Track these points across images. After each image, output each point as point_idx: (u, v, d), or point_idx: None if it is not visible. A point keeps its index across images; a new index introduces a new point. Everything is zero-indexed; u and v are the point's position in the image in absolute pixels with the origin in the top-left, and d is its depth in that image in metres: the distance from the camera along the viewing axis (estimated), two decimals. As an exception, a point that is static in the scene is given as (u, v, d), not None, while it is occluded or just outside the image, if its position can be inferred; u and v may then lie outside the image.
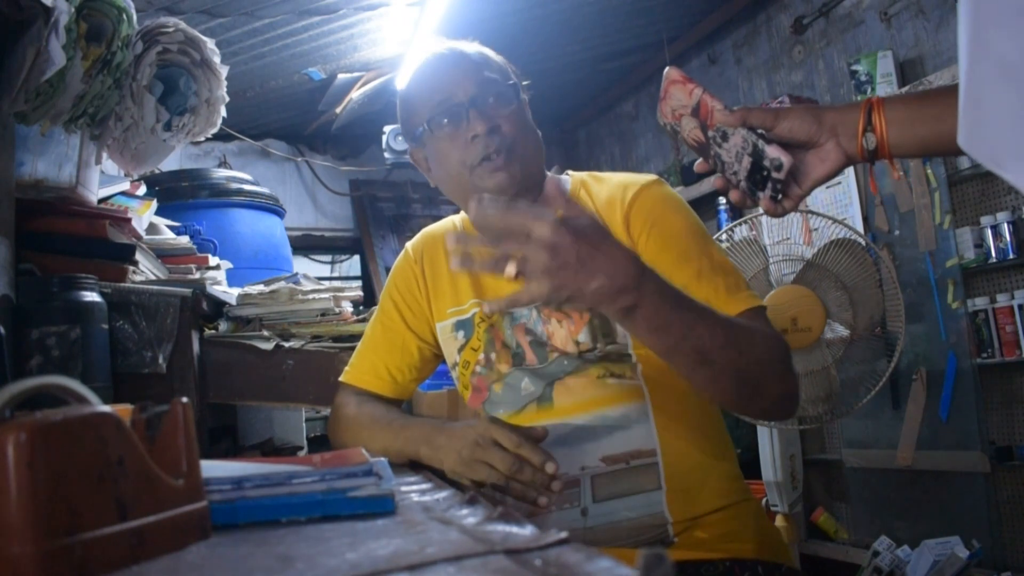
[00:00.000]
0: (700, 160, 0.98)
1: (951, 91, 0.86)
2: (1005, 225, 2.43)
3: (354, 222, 4.71)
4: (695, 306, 0.90)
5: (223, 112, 1.65)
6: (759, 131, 0.89)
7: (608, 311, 0.85)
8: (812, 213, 2.57)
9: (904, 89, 2.63)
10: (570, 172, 1.27)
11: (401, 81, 1.24)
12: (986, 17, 0.59)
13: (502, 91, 1.14)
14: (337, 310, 1.69)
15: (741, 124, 0.90)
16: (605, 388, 1.10)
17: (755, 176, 0.90)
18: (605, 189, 1.20)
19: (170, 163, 2.78)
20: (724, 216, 3.50)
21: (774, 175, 0.89)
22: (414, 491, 0.79)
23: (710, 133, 0.93)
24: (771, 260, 2.36)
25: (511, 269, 0.81)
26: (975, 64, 0.61)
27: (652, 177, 1.20)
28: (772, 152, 0.88)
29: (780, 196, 0.90)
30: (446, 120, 1.13)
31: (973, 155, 0.64)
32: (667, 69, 0.97)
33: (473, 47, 1.19)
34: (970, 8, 0.60)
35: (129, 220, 1.63)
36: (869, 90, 2.75)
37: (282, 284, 1.72)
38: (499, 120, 1.12)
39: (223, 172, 2.79)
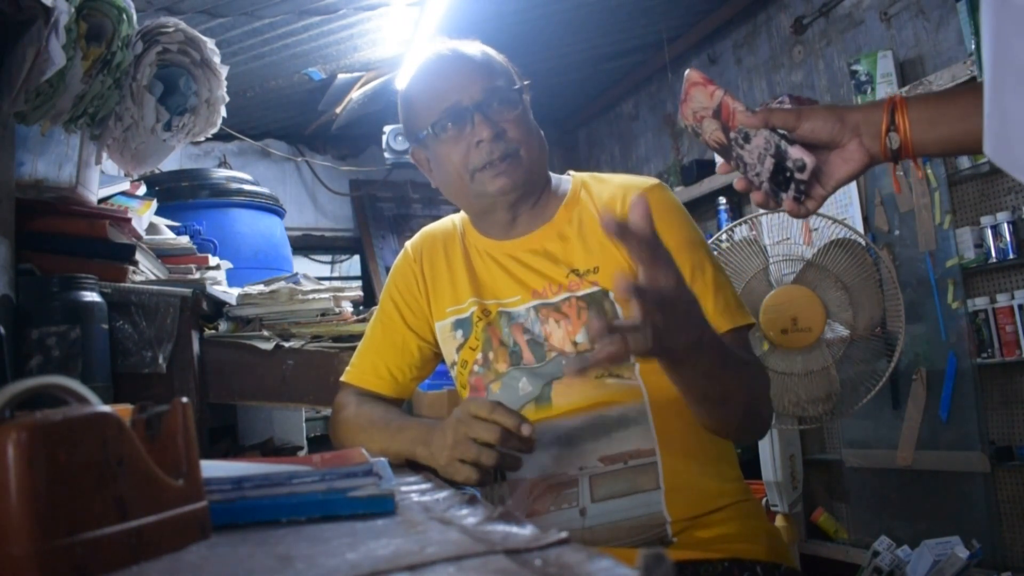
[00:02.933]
0: (723, 162, 0.98)
1: (974, 90, 0.85)
2: (1005, 225, 2.43)
3: (354, 222, 4.71)
4: (728, 351, 0.96)
5: (223, 112, 1.65)
6: (781, 132, 0.89)
7: (678, 357, 0.89)
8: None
9: (904, 89, 2.63)
10: (571, 172, 1.28)
11: (403, 79, 1.24)
12: (1008, 26, 0.58)
13: (507, 96, 1.14)
14: (337, 310, 1.69)
15: (764, 125, 0.89)
16: (603, 388, 1.10)
17: (778, 177, 0.90)
18: (607, 190, 1.20)
19: (170, 163, 2.78)
20: (724, 216, 3.51)
21: (797, 176, 0.88)
22: (414, 491, 0.79)
23: (732, 134, 0.93)
24: (771, 260, 2.36)
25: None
26: (998, 73, 0.60)
27: (654, 181, 1.20)
28: (795, 153, 0.88)
29: (803, 197, 0.90)
30: (450, 124, 1.13)
31: (999, 164, 0.64)
32: (688, 71, 0.97)
33: (476, 48, 1.19)
34: (992, 18, 0.60)
35: (129, 220, 1.63)
36: (869, 90, 2.75)
37: (282, 284, 1.72)
38: (504, 125, 1.13)
39: (223, 172, 2.78)
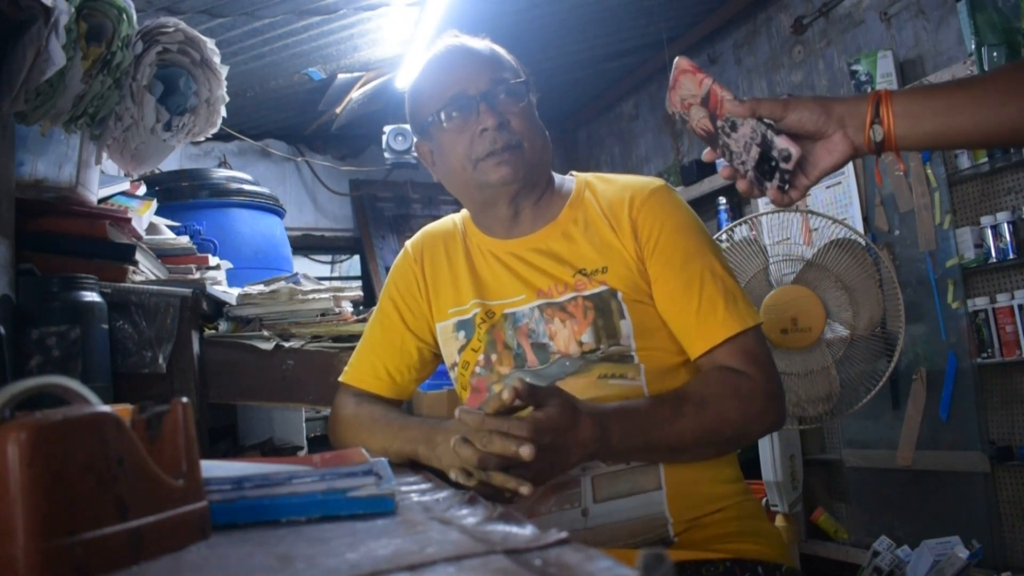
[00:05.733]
0: (708, 149, 0.99)
1: (958, 86, 0.87)
2: (1005, 225, 2.43)
3: (354, 222, 4.71)
4: (657, 417, 1.01)
5: (223, 112, 1.65)
6: (768, 122, 0.90)
7: (570, 466, 0.98)
8: (812, 213, 2.57)
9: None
10: (574, 173, 1.28)
11: (407, 77, 1.25)
12: None
13: (513, 88, 1.15)
14: (337, 310, 1.69)
15: (751, 114, 0.91)
16: (606, 388, 1.10)
17: (763, 166, 0.91)
18: (611, 190, 1.20)
19: (170, 163, 2.78)
20: (724, 216, 3.51)
21: (782, 165, 0.90)
22: (414, 491, 0.79)
23: (719, 123, 0.94)
24: (771, 260, 2.36)
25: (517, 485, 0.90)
26: None
27: (659, 182, 1.20)
28: (781, 143, 0.89)
29: (787, 186, 0.91)
30: (456, 112, 1.14)
31: None
32: (677, 58, 0.98)
33: (484, 44, 1.21)
34: None
35: (129, 220, 1.62)
36: (869, 90, 2.75)
37: (282, 284, 1.72)
38: (509, 116, 1.13)
39: (223, 172, 2.78)
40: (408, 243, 1.32)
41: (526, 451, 0.87)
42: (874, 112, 0.87)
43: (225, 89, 1.63)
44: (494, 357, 1.17)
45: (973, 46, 2.40)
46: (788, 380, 2.26)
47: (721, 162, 0.97)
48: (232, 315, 1.67)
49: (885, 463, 2.78)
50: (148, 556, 0.51)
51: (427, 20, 2.99)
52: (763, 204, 3.24)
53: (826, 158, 0.91)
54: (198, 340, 1.54)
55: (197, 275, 1.72)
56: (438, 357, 1.28)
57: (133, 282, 1.52)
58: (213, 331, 1.64)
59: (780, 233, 2.49)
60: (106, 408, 0.52)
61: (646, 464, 1.07)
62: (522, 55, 1.26)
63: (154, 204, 1.85)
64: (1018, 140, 0.86)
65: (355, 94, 3.71)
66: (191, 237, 1.92)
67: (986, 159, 2.49)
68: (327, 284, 1.83)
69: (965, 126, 0.84)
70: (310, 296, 1.68)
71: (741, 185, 0.95)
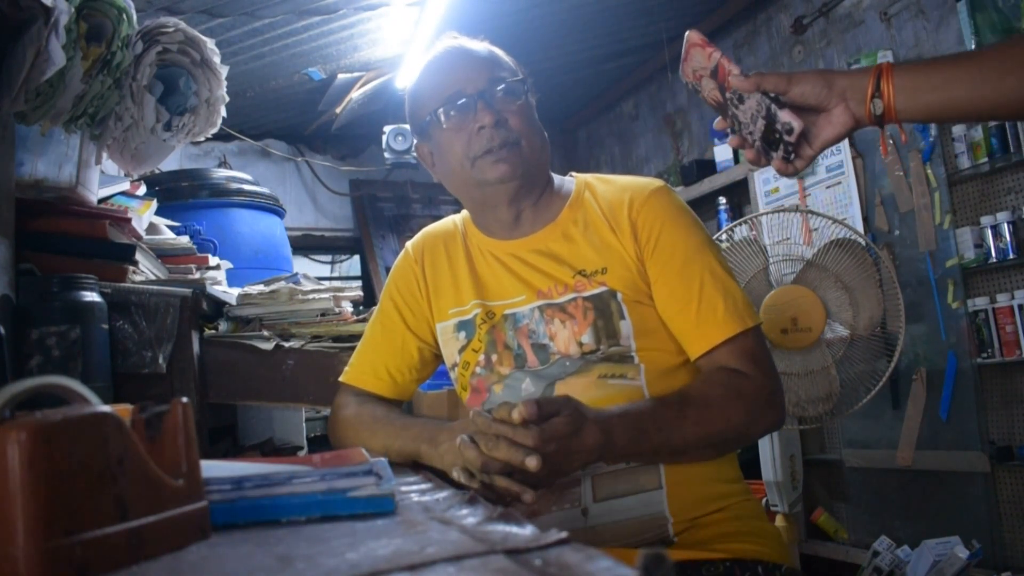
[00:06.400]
0: (719, 118, 1.02)
1: (958, 59, 0.89)
2: (1005, 225, 2.43)
3: (354, 222, 4.71)
4: (660, 421, 1.01)
5: (223, 112, 1.65)
6: (773, 95, 0.93)
7: (575, 468, 0.97)
8: (812, 213, 2.57)
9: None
10: (574, 174, 1.28)
11: (407, 77, 1.26)
12: None
13: (511, 86, 1.16)
14: (337, 310, 1.69)
15: (755, 89, 0.93)
16: (606, 388, 1.10)
17: (769, 137, 0.94)
18: (611, 191, 1.20)
19: (170, 163, 2.78)
20: (724, 216, 3.51)
21: (785, 138, 0.93)
22: (414, 491, 0.79)
23: (727, 95, 0.97)
24: (771, 260, 2.36)
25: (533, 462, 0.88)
26: None
27: (658, 183, 1.20)
28: (784, 116, 0.92)
29: (792, 156, 0.95)
30: (454, 111, 1.14)
31: None
32: (688, 32, 1.01)
33: (483, 45, 1.21)
34: None
35: (129, 220, 1.62)
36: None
37: (282, 284, 1.72)
38: (506, 114, 1.14)
39: (223, 172, 2.78)
40: (408, 244, 1.32)
41: (532, 463, 0.87)
42: (875, 85, 0.89)
43: (225, 89, 1.63)
44: (494, 357, 1.17)
45: (973, 46, 2.40)
46: (788, 380, 2.26)
47: (731, 132, 1.01)
48: (232, 315, 1.67)
49: (885, 463, 2.78)
50: (148, 556, 0.51)
51: (427, 20, 2.99)
52: (763, 204, 3.24)
53: (828, 130, 0.93)
54: (198, 340, 1.54)
55: (197, 275, 1.72)
56: (438, 357, 1.28)
57: (133, 282, 1.52)
58: (213, 331, 1.64)
59: (780, 233, 2.49)
60: (106, 408, 0.52)
61: (646, 464, 1.07)
62: (522, 55, 1.26)
63: (154, 204, 1.85)
64: (1016, 114, 0.87)
65: (355, 94, 3.72)
66: (191, 237, 1.92)
67: (986, 159, 2.49)
68: (327, 284, 1.83)
69: (964, 99, 0.86)
70: (310, 296, 1.68)
71: (749, 155, 0.99)
